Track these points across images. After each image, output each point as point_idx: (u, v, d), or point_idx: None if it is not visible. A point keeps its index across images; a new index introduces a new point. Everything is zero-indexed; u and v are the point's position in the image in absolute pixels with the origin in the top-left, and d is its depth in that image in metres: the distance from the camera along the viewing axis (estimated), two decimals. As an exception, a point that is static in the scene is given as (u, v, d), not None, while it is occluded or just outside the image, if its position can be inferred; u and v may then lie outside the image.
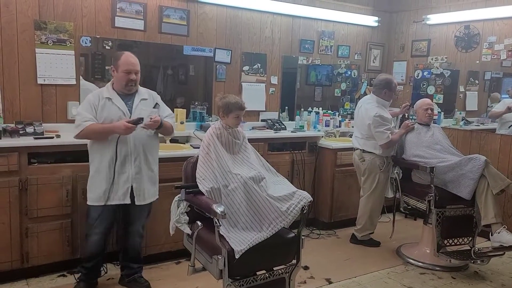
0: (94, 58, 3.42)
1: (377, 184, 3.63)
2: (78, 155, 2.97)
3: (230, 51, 4.04)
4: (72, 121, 3.26)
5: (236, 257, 2.07)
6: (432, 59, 4.69)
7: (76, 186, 2.93)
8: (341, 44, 4.82)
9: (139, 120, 2.51)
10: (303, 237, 2.34)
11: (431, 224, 3.36)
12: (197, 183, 2.31)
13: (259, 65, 4.25)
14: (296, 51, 4.50)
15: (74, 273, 2.96)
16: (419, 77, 4.81)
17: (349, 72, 5.02)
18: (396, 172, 3.56)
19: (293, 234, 2.33)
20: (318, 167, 4.12)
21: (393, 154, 3.65)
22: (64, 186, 2.89)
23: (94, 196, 2.61)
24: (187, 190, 2.33)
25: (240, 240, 2.16)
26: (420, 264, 3.40)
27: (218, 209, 2.05)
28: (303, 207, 2.29)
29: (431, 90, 4.69)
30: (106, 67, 3.47)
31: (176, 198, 2.41)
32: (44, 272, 2.92)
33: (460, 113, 4.58)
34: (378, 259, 3.49)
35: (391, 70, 5.09)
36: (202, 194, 2.27)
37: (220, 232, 2.12)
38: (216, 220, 2.06)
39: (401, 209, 3.61)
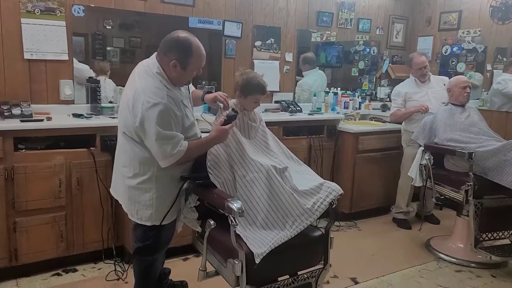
0: (94, 39, 3.13)
1: (404, 159, 3.66)
2: (72, 140, 2.65)
3: (241, 24, 3.64)
4: (66, 102, 2.98)
5: (256, 262, 1.73)
6: (463, 32, 4.25)
7: (70, 175, 2.61)
8: (362, 17, 4.40)
9: (235, 116, 1.98)
10: (332, 236, 2.00)
11: (466, 216, 3.03)
12: (208, 173, 1.96)
13: (273, 40, 3.85)
14: (313, 25, 4.09)
15: (69, 271, 2.67)
16: (447, 53, 4.39)
17: (367, 50, 4.61)
18: (427, 159, 3.18)
19: (320, 232, 1.99)
20: (338, 152, 3.77)
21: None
22: (57, 175, 2.56)
23: (164, 215, 1.99)
24: (196, 181, 1.98)
25: (260, 240, 1.82)
26: (454, 260, 3.06)
27: (235, 205, 1.70)
28: (332, 201, 1.95)
29: (461, 67, 4.27)
30: (108, 48, 3.21)
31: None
32: (36, 271, 2.62)
33: (487, 94, 4.17)
34: (406, 255, 3.16)
35: (415, 46, 4.66)
36: (214, 186, 1.93)
37: (236, 231, 1.78)
38: (232, 218, 1.72)
39: (433, 199, 3.25)
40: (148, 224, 2.00)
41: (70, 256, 2.69)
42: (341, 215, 3.75)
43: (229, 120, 1.97)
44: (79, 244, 2.69)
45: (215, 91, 3.53)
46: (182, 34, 1.90)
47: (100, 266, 2.75)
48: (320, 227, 2.01)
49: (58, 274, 2.64)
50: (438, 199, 3.23)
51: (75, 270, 2.69)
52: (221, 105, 2.15)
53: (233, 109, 2.05)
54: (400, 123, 3.75)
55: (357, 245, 3.30)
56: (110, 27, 3.17)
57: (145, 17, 3.24)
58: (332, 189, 1.98)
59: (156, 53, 1.94)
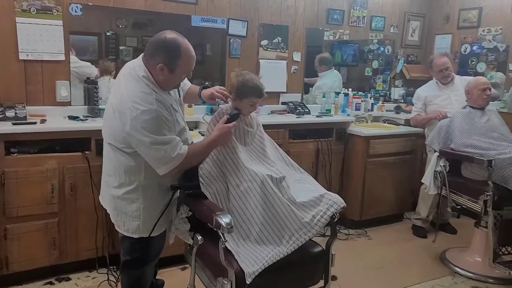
0: (107, 38, 3.12)
1: (426, 164, 3.36)
2: (67, 143, 2.55)
3: (246, 22, 3.49)
4: (62, 104, 2.88)
5: (247, 282, 1.59)
6: (483, 30, 4.01)
7: (63, 180, 2.51)
8: (375, 14, 4.19)
9: (238, 114, 1.88)
10: (333, 253, 1.83)
11: (485, 227, 2.82)
12: (199, 182, 1.82)
13: (280, 39, 3.68)
14: (323, 23, 3.91)
15: (62, 280, 2.57)
16: (466, 52, 4.15)
17: (382, 49, 4.41)
18: (443, 166, 2.97)
19: (320, 248, 1.83)
20: (347, 157, 3.58)
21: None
22: (49, 180, 2.47)
23: (152, 226, 1.87)
24: (186, 191, 1.84)
25: (253, 257, 1.67)
26: (471, 275, 2.85)
27: (223, 220, 1.55)
28: (333, 214, 1.78)
29: (481, 67, 4.02)
30: (120, 47, 3.18)
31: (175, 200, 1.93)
32: (28, 279, 2.53)
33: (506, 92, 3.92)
34: (419, 268, 2.96)
35: (432, 45, 4.43)
36: (205, 196, 1.79)
37: (227, 246, 1.63)
38: (221, 234, 1.57)
39: (449, 209, 3.04)
40: (135, 236, 1.87)
41: (63, 264, 2.59)
42: (350, 222, 3.57)
43: (232, 118, 1.84)
44: (73, 252, 2.59)
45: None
46: (170, 35, 1.75)
47: (95, 275, 2.64)
48: (327, 235, 1.84)
49: (51, 283, 2.55)
50: (454, 209, 3.02)
51: (69, 279, 2.59)
52: (221, 102, 2.01)
53: (235, 107, 1.91)
54: (423, 128, 3.57)
55: (366, 256, 3.11)
56: (123, 27, 3.13)
57: (158, 16, 3.15)
58: (334, 201, 1.80)
59: (142, 54, 1.81)
